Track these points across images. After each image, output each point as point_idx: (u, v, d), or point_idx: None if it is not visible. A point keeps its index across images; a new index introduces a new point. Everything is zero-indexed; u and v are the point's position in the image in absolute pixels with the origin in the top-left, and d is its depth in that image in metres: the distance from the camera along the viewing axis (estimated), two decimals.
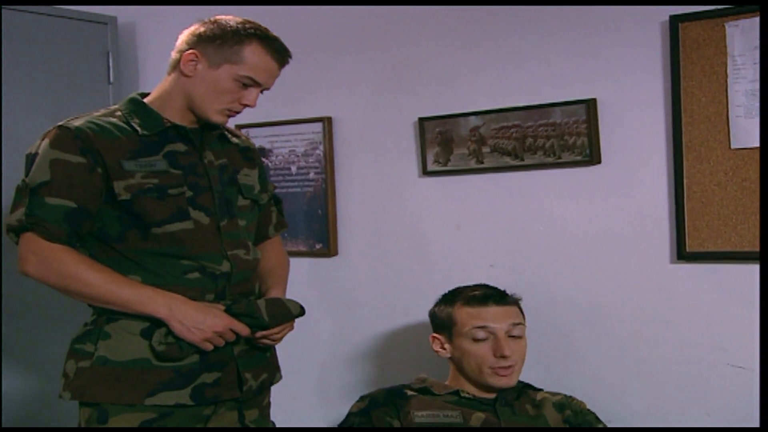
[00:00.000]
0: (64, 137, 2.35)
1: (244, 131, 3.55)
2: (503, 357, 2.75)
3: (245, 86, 2.43)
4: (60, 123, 2.39)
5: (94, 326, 2.43)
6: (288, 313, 2.50)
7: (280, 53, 2.45)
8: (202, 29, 2.44)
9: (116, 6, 4.04)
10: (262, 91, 2.50)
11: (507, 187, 3.22)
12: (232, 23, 2.42)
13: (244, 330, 2.42)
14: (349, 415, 2.86)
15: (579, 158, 3.05)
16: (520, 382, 2.90)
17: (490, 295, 2.86)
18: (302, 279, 3.53)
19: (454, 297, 2.92)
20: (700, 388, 2.90)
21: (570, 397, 2.90)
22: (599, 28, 3.03)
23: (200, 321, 2.35)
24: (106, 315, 2.40)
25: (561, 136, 3.07)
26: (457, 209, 3.34)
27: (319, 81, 3.59)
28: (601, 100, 3.02)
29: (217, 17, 2.45)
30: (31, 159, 2.38)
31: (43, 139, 2.39)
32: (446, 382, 2.91)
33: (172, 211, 2.40)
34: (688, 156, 2.86)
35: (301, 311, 2.52)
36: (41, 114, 3.68)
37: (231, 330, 2.40)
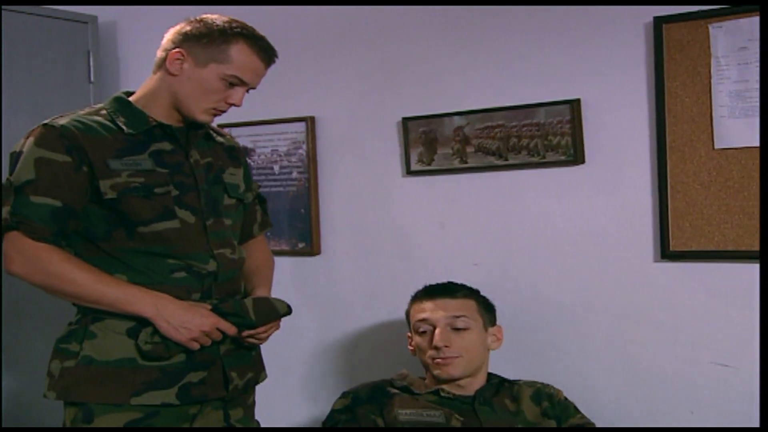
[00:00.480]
0: (50, 135, 2.30)
1: (227, 130, 3.48)
2: (436, 348, 2.75)
3: (231, 85, 2.38)
4: (45, 121, 2.34)
5: (79, 326, 2.38)
6: (275, 312, 2.45)
7: (266, 52, 2.41)
8: (188, 28, 2.39)
9: (97, 6, 3.98)
10: (248, 91, 2.45)
11: (491, 186, 3.19)
12: (218, 22, 2.36)
13: (230, 329, 2.38)
14: (333, 412, 2.83)
15: (563, 158, 3.02)
16: (495, 376, 2.89)
17: (435, 289, 2.89)
18: (285, 278, 3.48)
19: (413, 297, 2.96)
20: (684, 386, 2.88)
21: (545, 384, 2.88)
22: (584, 29, 3.00)
23: (187, 320, 2.31)
24: (91, 314, 2.36)
25: (545, 136, 3.04)
26: (441, 208, 3.30)
27: (302, 81, 3.54)
28: (585, 100, 2.99)
29: (203, 16, 2.40)
30: (15, 157, 2.32)
31: (27, 138, 2.33)
32: (426, 380, 2.88)
33: (158, 210, 2.36)
34: (672, 156, 2.84)
35: (288, 310, 2.48)
36: (22, 113, 3.61)
37: (218, 329, 2.36)
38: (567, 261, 3.07)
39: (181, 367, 2.37)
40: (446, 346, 2.76)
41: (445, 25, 3.26)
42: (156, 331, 2.32)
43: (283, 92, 3.54)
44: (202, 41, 2.35)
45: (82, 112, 2.40)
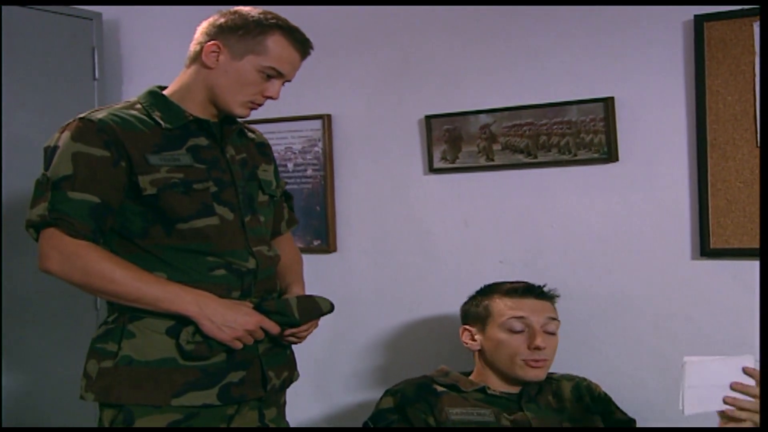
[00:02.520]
0: (87, 129, 2.10)
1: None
2: (537, 349, 2.49)
3: (268, 78, 2.21)
4: (81, 115, 2.14)
5: (116, 325, 2.17)
6: (318, 310, 2.27)
7: (302, 44, 2.24)
8: (222, 20, 2.20)
9: (101, 6, 3.67)
10: (283, 83, 2.27)
11: (519, 184, 2.95)
12: (253, 13, 2.20)
13: (274, 328, 2.20)
14: (382, 411, 2.55)
15: (596, 156, 2.79)
16: None
17: (529, 288, 2.60)
18: None
19: (491, 290, 2.65)
20: None
21: (583, 378, 2.67)
22: (616, 27, 2.79)
23: (231, 319, 2.12)
24: (128, 313, 2.15)
25: (577, 134, 2.81)
26: (464, 206, 3.05)
27: (319, 78, 3.26)
28: (619, 98, 2.77)
29: (237, 8, 2.22)
30: (50, 152, 2.12)
31: (62, 132, 2.13)
32: (470, 377, 2.62)
33: (197, 206, 2.17)
34: (712, 154, 2.63)
35: (331, 308, 2.29)
36: (26, 110, 3.35)
37: (261, 328, 2.18)
38: (599, 259, 2.84)
39: (222, 366, 2.18)
40: (545, 349, 2.51)
41: (470, 23, 3.02)
42: (197, 330, 2.13)
43: (298, 90, 3.19)
44: (237, 33, 2.17)
45: (117, 106, 2.21)
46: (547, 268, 2.87)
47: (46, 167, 2.10)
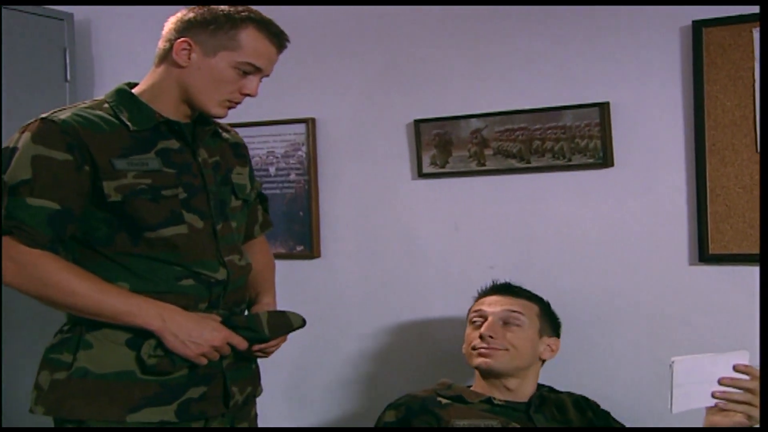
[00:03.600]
0: (49, 131, 1.89)
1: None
2: (481, 337, 2.42)
3: (245, 74, 2.01)
4: (43, 115, 1.93)
5: (72, 334, 1.98)
6: (289, 326, 2.10)
7: (277, 36, 2.03)
8: (191, 15, 2.00)
9: (73, 6, 3.45)
10: (261, 79, 2.06)
11: (511, 189, 2.82)
12: (223, 7, 1.99)
13: (242, 344, 2.02)
14: (385, 425, 2.38)
15: (591, 161, 2.68)
16: (542, 386, 2.51)
17: (500, 287, 2.57)
18: (281, 280, 2.98)
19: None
20: None
21: (584, 397, 2.53)
22: (612, 32, 2.68)
23: (197, 335, 1.94)
24: (86, 323, 1.95)
25: (572, 139, 2.69)
26: (455, 211, 2.91)
27: (303, 81, 3.11)
28: (615, 103, 2.66)
29: (205, 6, 2.02)
30: (9, 154, 1.90)
31: (23, 132, 1.92)
32: (472, 387, 2.48)
33: (165, 214, 1.97)
34: (711, 159, 2.53)
35: (303, 323, 2.12)
36: None
37: (228, 344, 2.00)
38: (594, 264, 2.72)
39: (182, 381, 1.99)
40: (491, 336, 2.42)
41: (458, 24, 2.89)
42: (160, 344, 1.94)
43: (282, 92, 3.08)
44: (208, 28, 1.97)
45: (83, 106, 2.00)
46: (539, 274, 2.74)
47: (4, 170, 1.89)
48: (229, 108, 2.06)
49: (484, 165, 2.83)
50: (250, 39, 1.98)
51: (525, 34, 2.78)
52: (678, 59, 2.59)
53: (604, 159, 2.66)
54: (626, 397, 2.64)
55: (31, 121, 1.93)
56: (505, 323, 2.45)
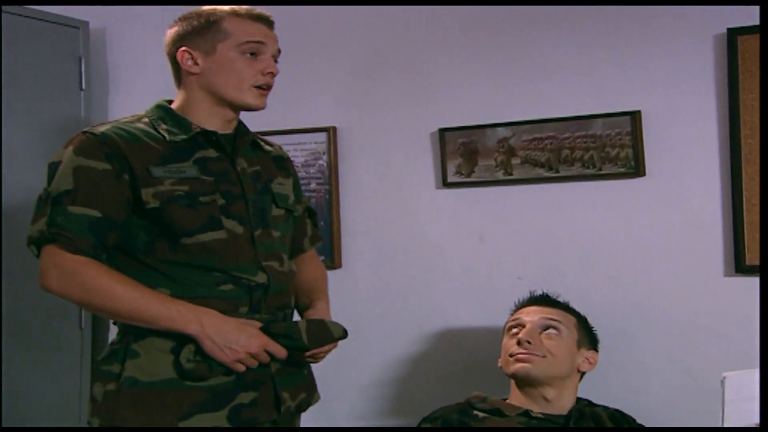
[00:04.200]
0: (89, 143, 1.94)
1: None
2: (518, 343, 2.35)
3: (253, 55, 2.03)
4: (84, 129, 1.99)
5: (121, 345, 1.97)
6: (329, 337, 2.03)
7: (257, 14, 2.06)
8: (175, 29, 2.07)
9: (88, 5, 3.34)
10: (275, 59, 2.07)
11: (539, 199, 2.73)
12: (199, 12, 2.06)
13: (280, 352, 1.97)
14: None
15: (622, 170, 2.59)
16: (581, 399, 2.41)
17: (538, 297, 2.50)
18: None
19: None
20: None
21: (620, 411, 2.43)
22: (644, 39, 2.60)
23: (233, 340, 1.91)
24: (133, 333, 1.95)
25: (602, 148, 2.61)
26: (480, 221, 2.82)
27: (323, 89, 3.01)
28: (646, 112, 2.57)
29: (183, 14, 2.09)
30: (53, 168, 1.96)
31: (66, 147, 1.97)
32: (508, 400, 2.38)
33: (203, 219, 1.97)
34: (747, 169, 2.46)
35: (344, 334, 2.06)
36: (12, 120, 3.05)
37: (266, 351, 1.96)
38: (625, 275, 2.64)
39: (230, 387, 1.96)
40: (529, 342, 2.34)
41: (483, 32, 2.81)
42: (199, 350, 1.92)
43: (301, 101, 3.00)
44: (196, 32, 2.03)
45: (123, 120, 2.04)
46: (569, 286, 2.64)
47: (48, 183, 1.94)
48: (263, 95, 2.06)
49: (511, 174, 2.74)
50: (234, 25, 2.02)
51: (553, 41, 2.70)
52: (711, 67, 2.51)
53: (635, 168, 2.57)
54: (658, 412, 2.55)
55: (74, 135, 1.98)
56: (543, 330, 2.37)
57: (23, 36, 3.09)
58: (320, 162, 3.02)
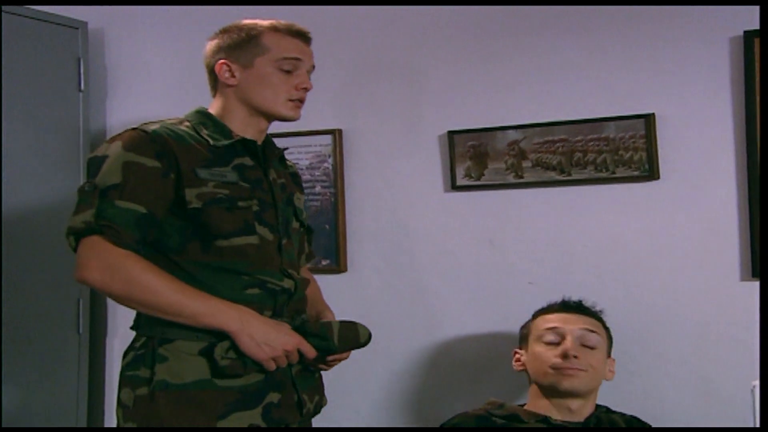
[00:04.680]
0: (140, 140, 1.93)
1: None
2: (565, 356, 2.23)
3: (288, 72, 2.06)
4: (134, 126, 1.98)
5: (146, 350, 1.95)
6: (356, 340, 2.03)
7: (297, 30, 2.10)
8: (216, 41, 2.11)
9: (85, 6, 3.25)
10: (309, 74, 2.12)
11: (550, 202, 2.66)
12: (240, 25, 2.10)
13: (311, 352, 1.97)
14: None
15: (636, 173, 2.52)
16: (600, 406, 2.34)
17: (565, 303, 2.38)
18: None
19: (538, 312, 2.41)
20: None
21: (636, 418, 2.35)
22: (658, 40, 2.54)
23: (272, 338, 1.91)
24: (157, 337, 1.94)
25: (615, 151, 2.54)
26: (490, 225, 2.74)
27: (328, 91, 2.92)
28: (660, 115, 2.50)
29: (224, 26, 2.12)
30: (98, 161, 1.93)
31: (112, 142, 1.96)
32: (525, 406, 2.30)
33: (239, 224, 1.98)
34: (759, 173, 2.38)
35: (369, 340, 2.06)
36: (10, 121, 2.96)
37: (298, 350, 1.96)
38: (638, 279, 2.57)
39: (260, 386, 1.96)
40: (576, 357, 2.23)
41: (494, 33, 2.73)
42: (232, 347, 1.90)
43: (308, 103, 2.83)
44: (236, 45, 2.07)
45: (169, 121, 2.04)
46: (581, 290, 2.55)
47: (93, 175, 1.91)
48: (298, 108, 2.10)
49: (521, 177, 2.66)
50: (273, 40, 2.05)
51: (566, 42, 2.63)
52: (727, 69, 2.45)
53: (649, 171, 2.51)
54: (674, 419, 2.49)
55: (121, 132, 1.96)
56: (583, 343, 2.27)
57: (22, 36, 3.00)
58: (325, 165, 2.93)
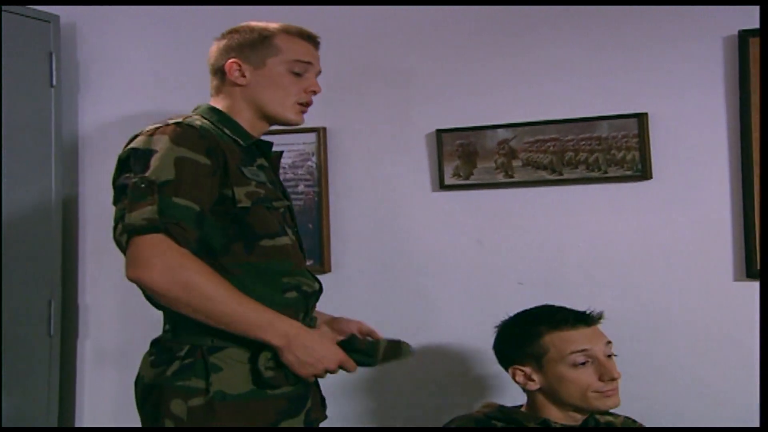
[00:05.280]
0: (191, 135, 1.82)
1: None
2: (612, 379, 2.10)
3: (298, 75, 2.01)
4: (176, 120, 1.86)
5: (194, 359, 1.84)
6: (397, 357, 1.97)
7: (306, 33, 2.05)
8: (225, 41, 2.03)
9: (58, 6, 3.11)
10: (316, 76, 2.07)
11: (541, 202, 2.60)
12: (251, 26, 2.02)
13: (352, 368, 1.91)
14: None
15: (628, 173, 2.47)
16: None
17: (580, 317, 2.17)
18: None
19: (532, 324, 2.19)
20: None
21: (631, 419, 2.28)
22: (651, 40, 2.50)
23: (317, 357, 1.83)
24: (204, 346, 1.83)
25: (608, 151, 2.49)
26: (479, 224, 2.67)
27: None
28: (653, 114, 2.46)
29: (235, 27, 2.04)
30: (144, 155, 1.79)
31: (152, 135, 1.82)
32: (522, 409, 2.22)
33: (277, 224, 1.93)
34: (758, 172, 2.34)
35: (410, 356, 1.99)
36: None
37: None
38: (630, 280, 2.52)
39: (302, 392, 1.92)
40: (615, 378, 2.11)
41: (485, 31, 2.67)
42: (273, 357, 1.83)
43: None
44: (248, 45, 2.00)
45: (194, 117, 1.93)
46: (572, 291, 2.51)
47: (140, 170, 1.77)
48: (303, 112, 2.05)
49: (512, 177, 2.60)
50: (285, 42, 2.00)
51: (558, 41, 2.57)
52: (721, 69, 2.42)
53: (642, 171, 2.46)
54: (667, 419, 2.44)
55: (158, 125, 1.84)
56: (607, 356, 2.13)
57: None
58: (309, 163, 2.83)
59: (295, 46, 2.01)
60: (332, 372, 1.87)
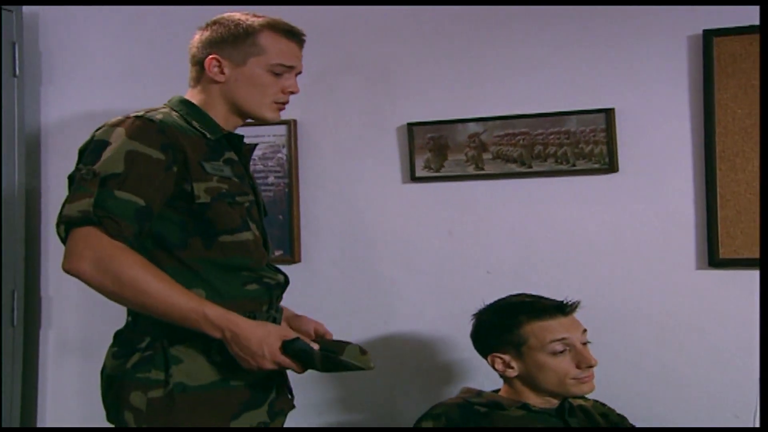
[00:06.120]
0: (147, 129, 1.79)
1: None
2: (589, 366, 2.14)
3: (278, 75, 1.96)
4: (138, 113, 1.83)
5: (154, 351, 1.81)
6: (338, 370, 1.83)
7: (293, 32, 1.99)
8: (208, 34, 1.96)
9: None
10: (296, 76, 2.02)
11: (510, 194, 2.61)
12: (236, 19, 1.95)
13: (297, 369, 1.81)
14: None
15: (596, 166, 2.50)
16: None
17: (558, 307, 2.19)
18: None
19: (512, 313, 2.20)
20: (728, 391, 2.41)
21: (600, 402, 2.31)
22: (619, 37, 2.52)
23: (250, 355, 1.75)
24: (165, 338, 1.81)
25: (576, 144, 2.51)
26: (449, 215, 2.67)
27: None
28: (620, 109, 2.49)
29: (217, 18, 1.97)
30: (98, 147, 1.77)
31: (114, 127, 1.80)
32: (501, 393, 2.23)
33: (239, 220, 1.89)
34: (721, 166, 2.40)
35: (357, 370, 1.86)
36: None
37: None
38: (597, 270, 2.54)
39: (264, 383, 1.90)
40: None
41: (455, 27, 2.66)
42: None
43: None
44: (230, 41, 1.93)
45: (161, 109, 1.90)
46: (540, 280, 2.53)
47: (91, 161, 1.75)
48: (280, 110, 2.01)
49: (482, 169, 2.60)
50: (270, 41, 1.94)
51: (528, 38, 2.58)
52: (686, 67, 2.45)
53: (609, 164, 2.49)
54: (633, 405, 2.45)
55: (121, 118, 1.81)
56: (582, 344, 2.16)
57: None
58: (279, 155, 2.80)
59: (280, 46, 1.95)
60: (272, 370, 1.80)
